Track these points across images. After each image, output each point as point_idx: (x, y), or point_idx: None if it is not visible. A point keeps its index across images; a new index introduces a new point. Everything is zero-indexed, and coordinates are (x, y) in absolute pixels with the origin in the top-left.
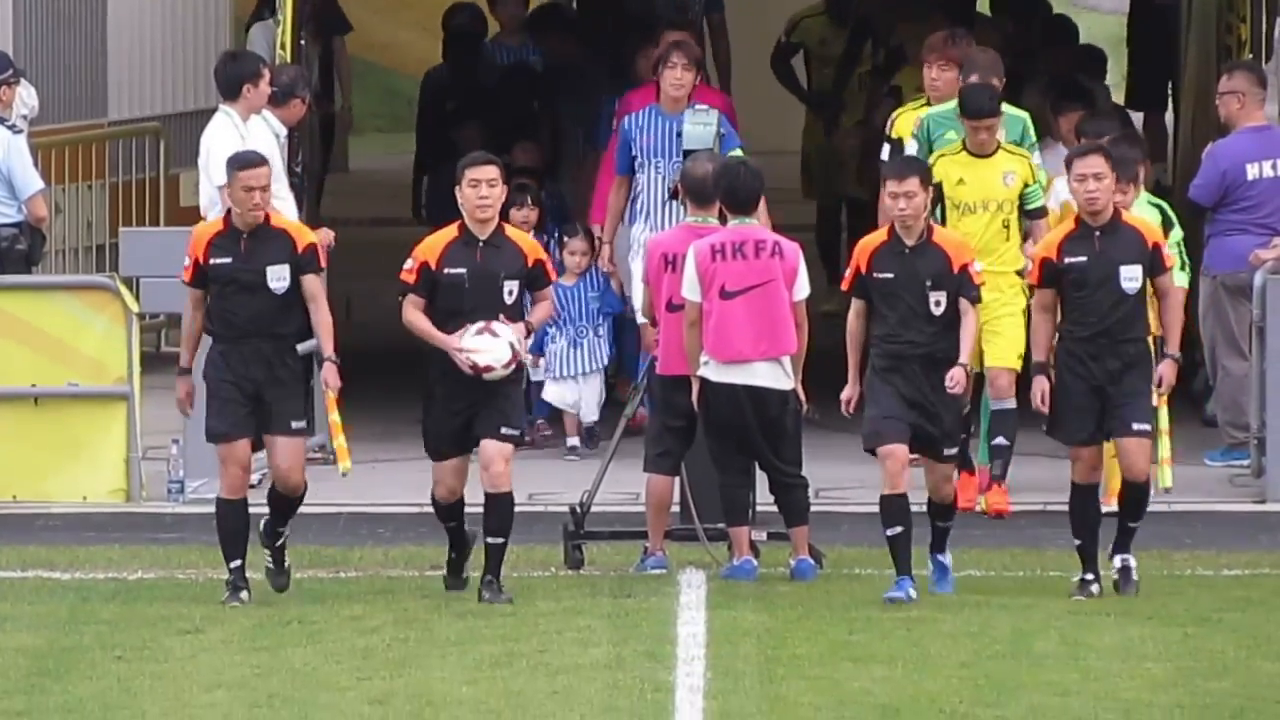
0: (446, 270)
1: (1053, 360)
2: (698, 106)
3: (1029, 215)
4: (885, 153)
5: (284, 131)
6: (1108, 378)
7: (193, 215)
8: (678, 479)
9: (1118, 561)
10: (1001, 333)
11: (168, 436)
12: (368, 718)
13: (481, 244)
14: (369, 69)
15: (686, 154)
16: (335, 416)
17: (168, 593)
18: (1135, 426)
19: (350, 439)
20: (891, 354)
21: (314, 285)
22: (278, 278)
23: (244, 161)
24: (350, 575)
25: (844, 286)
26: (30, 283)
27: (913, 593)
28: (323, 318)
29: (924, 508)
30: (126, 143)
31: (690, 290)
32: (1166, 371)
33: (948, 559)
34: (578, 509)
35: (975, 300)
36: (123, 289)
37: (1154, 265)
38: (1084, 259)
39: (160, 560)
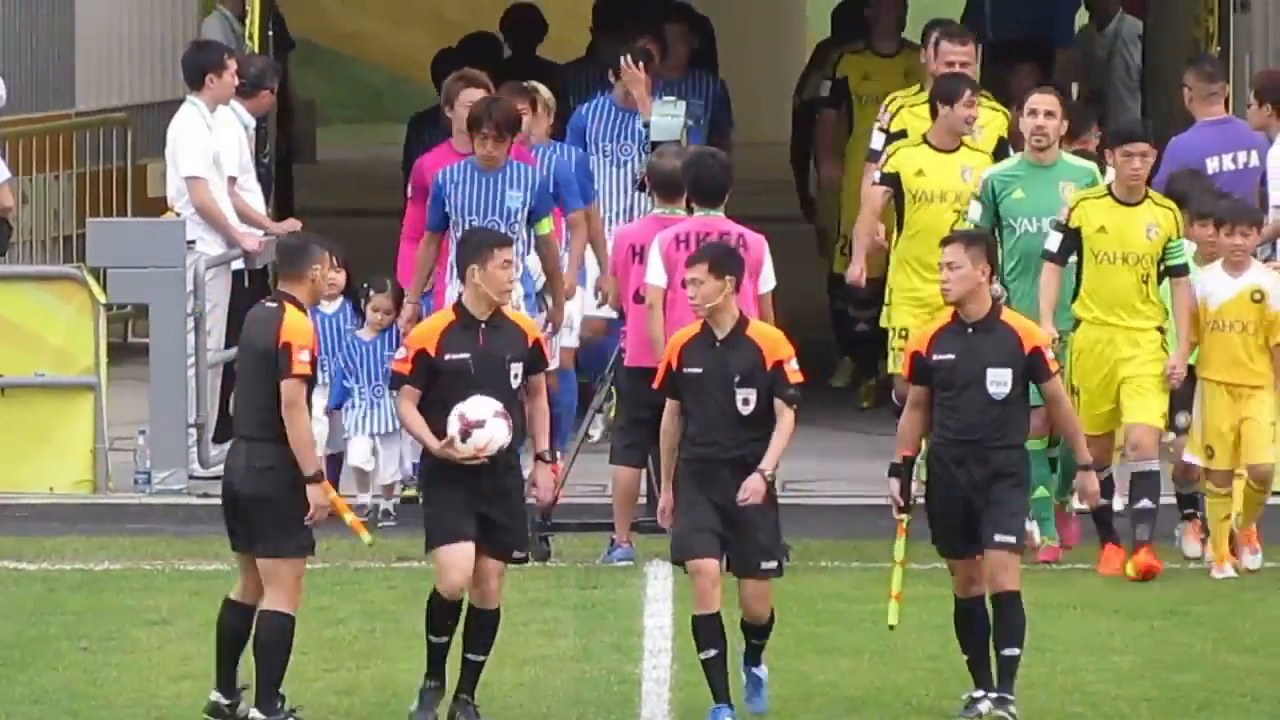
0: (448, 357)
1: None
2: (665, 97)
3: (1170, 273)
4: (878, 142)
5: (253, 122)
6: (973, 486)
7: (160, 206)
8: (645, 470)
9: (995, 695)
10: (1145, 390)
11: (134, 427)
12: (334, 708)
13: (484, 326)
14: (335, 59)
15: (653, 145)
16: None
17: (134, 583)
18: (998, 539)
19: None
20: (700, 458)
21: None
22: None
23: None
24: (317, 566)
25: (655, 384)
26: None
27: None
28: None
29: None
30: (94, 133)
31: (654, 275)
32: (1086, 483)
33: (763, 671)
34: None
35: (790, 401)
36: (90, 279)
37: (1034, 371)
38: (952, 357)
39: (127, 551)
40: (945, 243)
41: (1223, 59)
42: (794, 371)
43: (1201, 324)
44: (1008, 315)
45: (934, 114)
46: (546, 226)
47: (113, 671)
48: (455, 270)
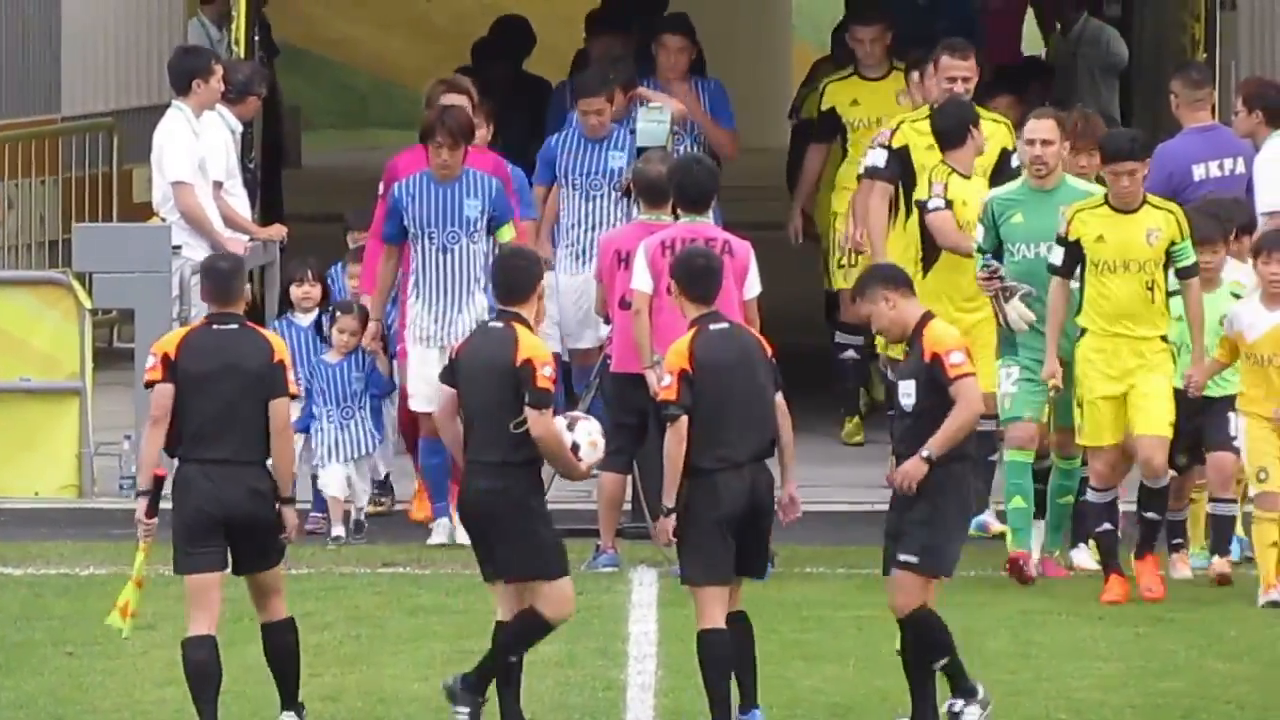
0: None
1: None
2: (651, 104)
3: (1179, 275)
4: (879, 158)
5: (239, 128)
6: (899, 503)
7: (145, 211)
8: (630, 477)
9: (944, 706)
10: (1151, 399)
11: (120, 432)
12: (320, 714)
13: None
14: (322, 64)
15: (639, 151)
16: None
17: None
18: (901, 558)
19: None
20: None
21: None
22: None
23: None
24: (302, 572)
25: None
26: None
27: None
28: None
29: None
30: (80, 138)
31: (640, 281)
32: (912, 469)
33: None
34: None
35: (662, 419)
36: (75, 284)
37: (933, 379)
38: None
39: (112, 556)
40: (851, 300)
41: (1209, 65)
42: (662, 388)
43: (1241, 356)
44: (929, 329)
45: (949, 143)
46: (508, 234)
47: (97, 677)
48: (509, 283)
